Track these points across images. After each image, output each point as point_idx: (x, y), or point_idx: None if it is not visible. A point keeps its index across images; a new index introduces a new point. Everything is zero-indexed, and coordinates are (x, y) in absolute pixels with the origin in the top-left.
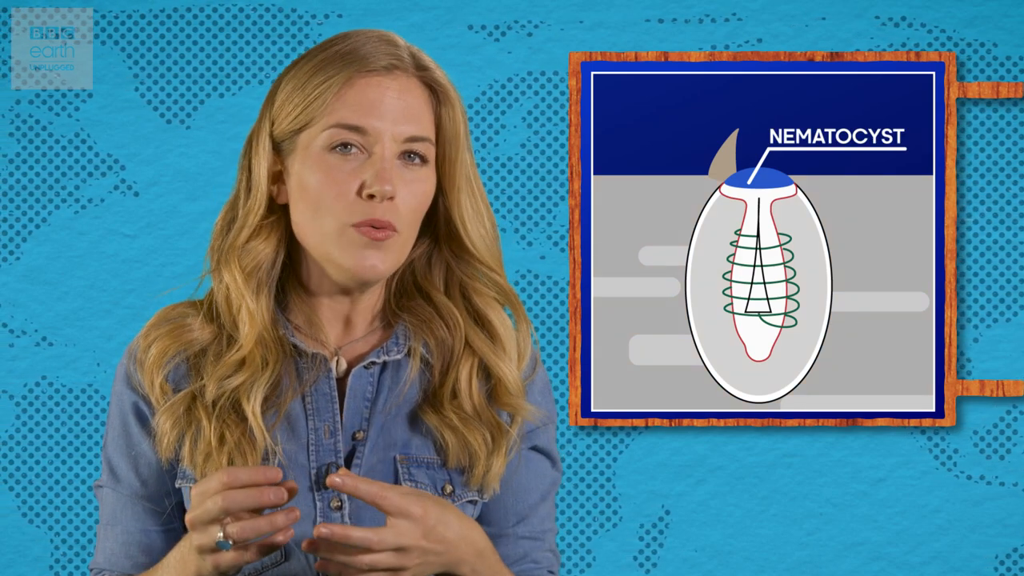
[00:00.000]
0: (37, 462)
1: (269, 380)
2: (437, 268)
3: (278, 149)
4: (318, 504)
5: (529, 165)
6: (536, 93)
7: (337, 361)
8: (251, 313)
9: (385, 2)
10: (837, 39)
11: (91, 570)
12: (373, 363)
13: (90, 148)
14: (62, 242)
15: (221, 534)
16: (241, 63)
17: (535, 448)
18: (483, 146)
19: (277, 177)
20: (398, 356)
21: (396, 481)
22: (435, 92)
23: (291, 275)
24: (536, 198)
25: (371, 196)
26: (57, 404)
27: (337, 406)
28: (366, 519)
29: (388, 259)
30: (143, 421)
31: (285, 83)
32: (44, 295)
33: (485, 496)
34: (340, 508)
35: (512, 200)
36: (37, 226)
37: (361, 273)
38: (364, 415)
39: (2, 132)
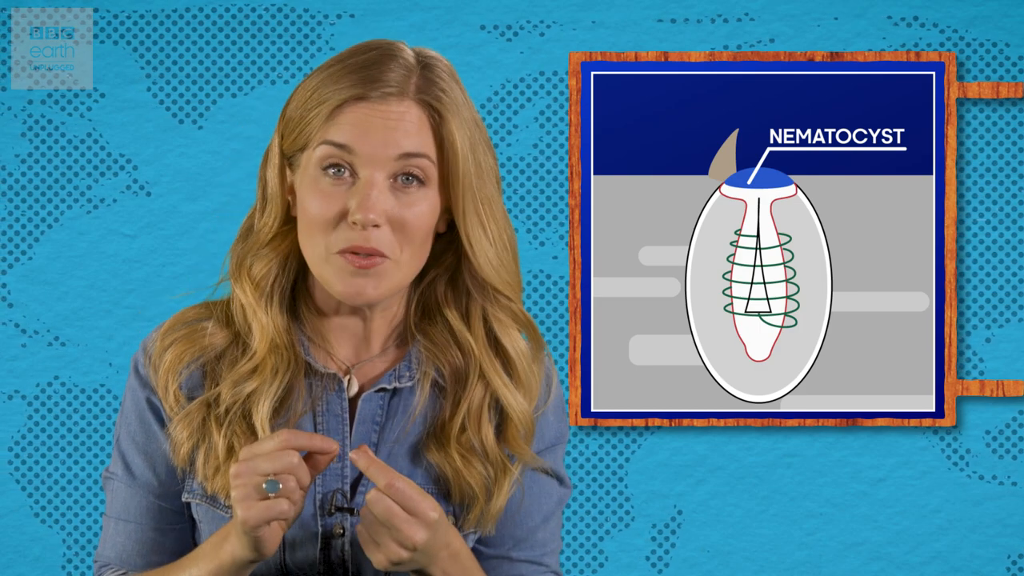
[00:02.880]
0: (49, 462)
1: (280, 388)
2: (459, 290)
3: (290, 164)
4: (321, 530)
5: (541, 165)
6: (548, 93)
7: (349, 381)
8: (262, 325)
9: (393, 1)
10: (837, 39)
11: (96, 562)
12: (384, 389)
13: (102, 148)
14: (62, 242)
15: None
16: (254, 63)
17: (542, 470)
18: (495, 146)
19: (293, 189)
20: (409, 383)
21: None
22: (436, 110)
23: (304, 291)
24: (548, 198)
25: (354, 223)
26: (69, 404)
27: (348, 429)
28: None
29: (381, 285)
30: (160, 419)
31: (293, 98)
32: (44, 295)
33: (483, 532)
34: (343, 535)
35: (524, 200)
36: (49, 226)
37: (351, 299)
38: (372, 440)
39: (13, 132)
